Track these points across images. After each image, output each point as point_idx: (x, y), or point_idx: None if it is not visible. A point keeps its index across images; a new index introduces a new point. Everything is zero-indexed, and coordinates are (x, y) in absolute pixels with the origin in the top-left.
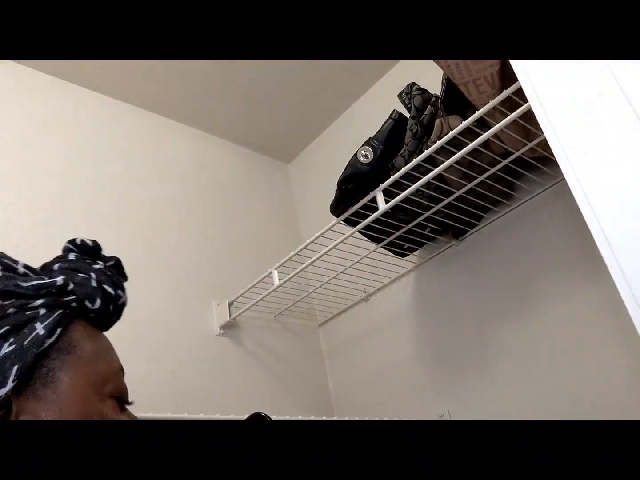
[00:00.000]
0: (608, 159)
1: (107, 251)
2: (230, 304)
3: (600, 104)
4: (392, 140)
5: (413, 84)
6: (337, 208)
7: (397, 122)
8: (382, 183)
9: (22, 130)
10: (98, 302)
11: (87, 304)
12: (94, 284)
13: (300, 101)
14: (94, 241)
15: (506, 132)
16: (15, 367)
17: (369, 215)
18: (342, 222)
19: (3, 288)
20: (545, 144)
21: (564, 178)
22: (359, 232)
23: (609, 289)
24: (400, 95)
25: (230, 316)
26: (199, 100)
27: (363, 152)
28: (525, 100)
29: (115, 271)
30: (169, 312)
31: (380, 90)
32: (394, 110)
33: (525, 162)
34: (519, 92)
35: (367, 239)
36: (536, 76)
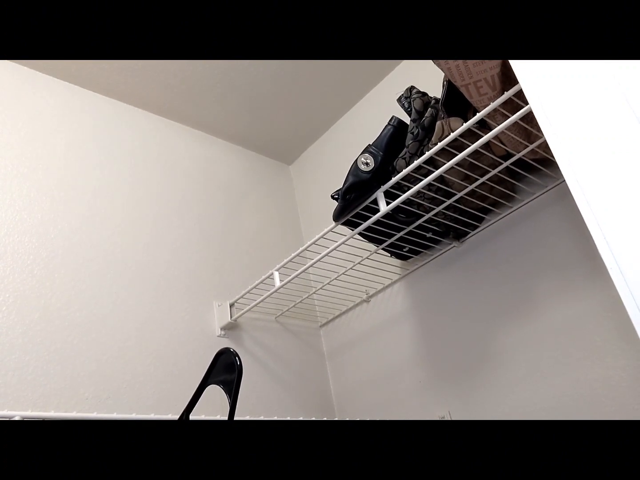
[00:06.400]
0: (608, 161)
1: (108, 252)
2: (231, 305)
3: (601, 106)
4: (391, 147)
5: (412, 87)
6: (340, 216)
7: (396, 129)
8: (383, 185)
9: (23, 131)
10: None
11: None
12: None
13: (301, 102)
14: None
15: (507, 134)
16: None
17: (370, 217)
18: (343, 224)
19: None
20: (545, 146)
21: (564, 180)
22: (360, 234)
23: (609, 290)
24: (399, 100)
25: (231, 317)
26: (200, 102)
27: (363, 159)
28: (526, 102)
29: None
30: (170, 313)
31: (381, 92)
32: (393, 116)
33: (526, 164)
34: (520, 94)
35: (368, 241)
36: (537, 78)
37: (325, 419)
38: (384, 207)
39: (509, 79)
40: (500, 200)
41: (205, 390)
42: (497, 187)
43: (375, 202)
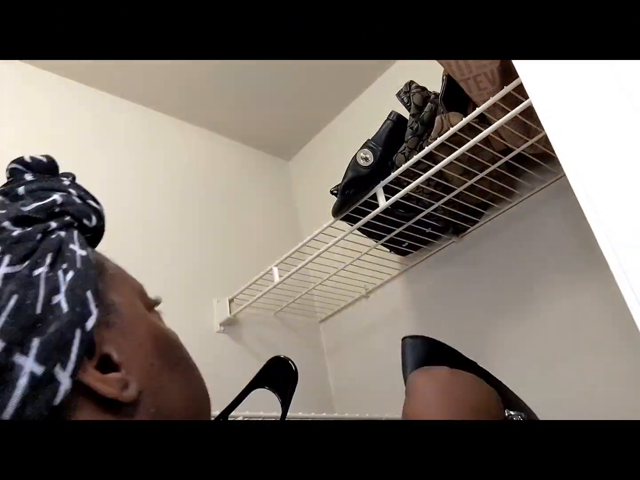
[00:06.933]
0: (609, 155)
1: (106, 249)
2: (230, 301)
3: (602, 100)
4: (390, 142)
5: (411, 82)
6: (339, 212)
7: (395, 124)
8: (382, 180)
9: (26, 130)
10: (94, 219)
11: (85, 221)
12: (78, 200)
13: (300, 98)
14: (47, 156)
15: (507, 129)
16: (89, 293)
17: (369, 213)
18: (342, 219)
19: (15, 214)
20: (545, 141)
21: (564, 174)
22: (359, 229)
23: (610, 286)
24: (398, 95)
25: (230, 313)
26: (198, 97)
27: (362, 155)
28: (526, 97)
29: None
30: (169, 309)
31: (381, 87)
32: (392, 111)
33: (526, 159)
34: (520, 89)
35: (367, 236)
36: (537, 72)
37: (324, 414)
38: (383, 202)
39: (508, 73)
40: (500, 195)
41: (207, 387)
42: (497, 182)
43: (374, 197)
